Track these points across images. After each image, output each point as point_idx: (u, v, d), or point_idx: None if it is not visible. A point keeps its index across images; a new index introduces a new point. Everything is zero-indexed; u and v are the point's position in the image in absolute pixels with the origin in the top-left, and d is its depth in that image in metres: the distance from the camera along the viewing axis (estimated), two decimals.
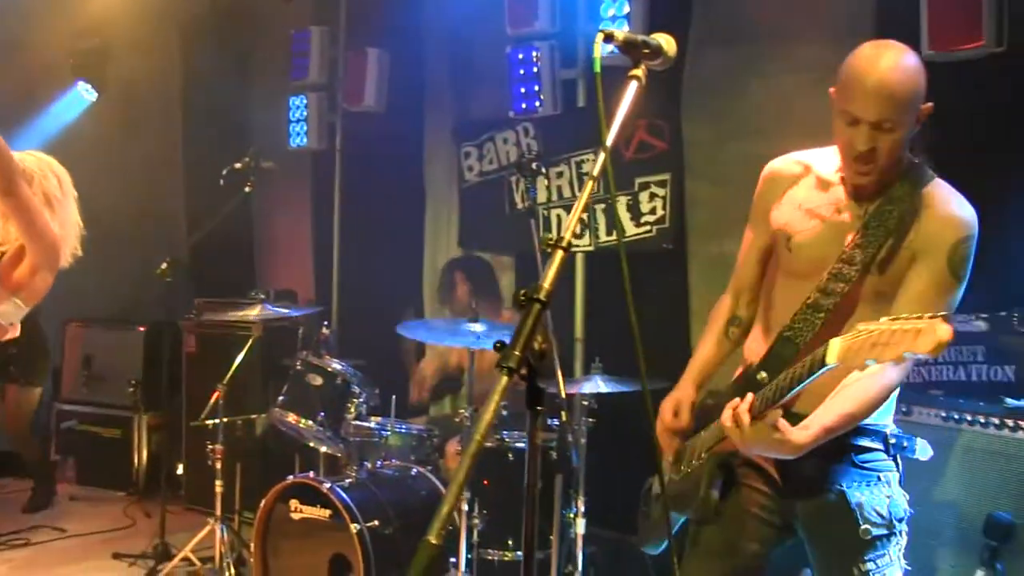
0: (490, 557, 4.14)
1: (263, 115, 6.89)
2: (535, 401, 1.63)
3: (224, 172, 5.26)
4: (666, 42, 1.98)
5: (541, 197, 5.41)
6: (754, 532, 2.50)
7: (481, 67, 5.85)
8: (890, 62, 2.18)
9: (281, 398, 4.72)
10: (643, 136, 5.05)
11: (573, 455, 3.95)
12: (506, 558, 4.14)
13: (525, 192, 4.37)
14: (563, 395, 3.82)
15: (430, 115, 6.27)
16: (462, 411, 4.30)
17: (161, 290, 5.23)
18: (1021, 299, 3.51)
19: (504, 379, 1.51)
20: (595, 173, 1.80)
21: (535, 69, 5.20)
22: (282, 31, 6.67)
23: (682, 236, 4.99)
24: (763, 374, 2.34)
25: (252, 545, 4.39)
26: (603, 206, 5.19)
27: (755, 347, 2.53)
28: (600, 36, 1.91)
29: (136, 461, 6.55)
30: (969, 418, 3.29)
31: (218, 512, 4.74)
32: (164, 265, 5.11)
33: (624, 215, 5.08)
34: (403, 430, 4.64)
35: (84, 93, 7.09)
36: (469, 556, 4.07)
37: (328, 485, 4.14)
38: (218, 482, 4.77)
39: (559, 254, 1.67)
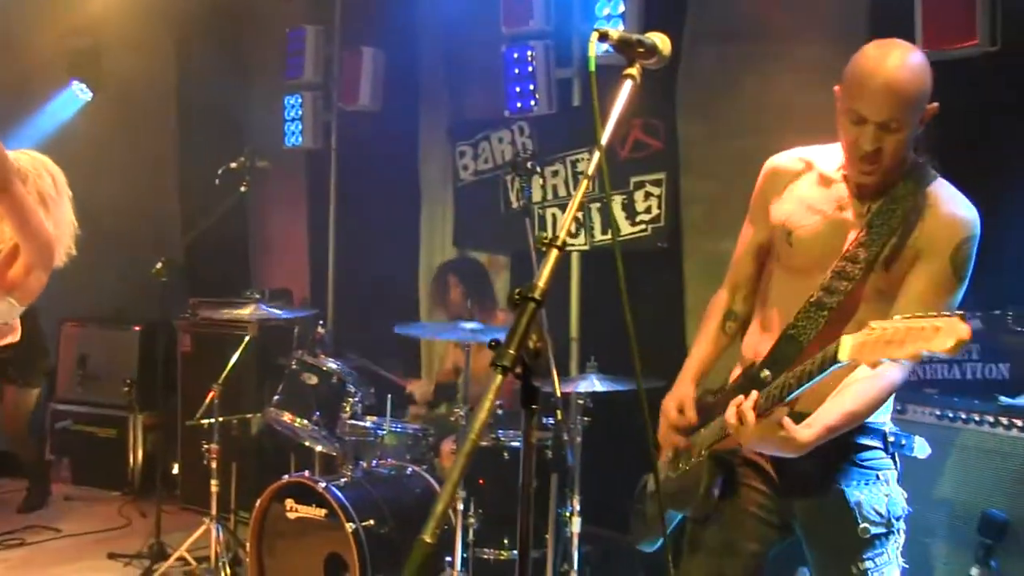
0: (486, 556, 4.14)
1: (258, 114, 6.88)
2: (530, 400, 1.63)
3: (220, 171, 5.26)
4: (661, 41, 1.97)
5: (536, 196, 5.41)
6: (753, 532, 2.49)
7: (476, 66, 5.85)
8: (897, 61, 2.17)
9: (276, 397, 4.71)
10: (638, 135, 5.05)
11: (568, 454, 3.95)
12: (502, 557, 4.15)
13: (520, 191, 4.37)
14: (558, 394, 3.82)
15: (425, 114, 6.27)
16: (457, 410, 4.30)
17: (156, 290, 5.23)
18: (1015, 298, 3.52)
19: (499, 378, 1.51)
20: (590, 172, 1.80)
21: (530, 68, 5.21)
22: (277, 30, 6.67)
23: (677, 235, 4.99)
24: (766, 372, 2.34)
25: (248, 545, 4.39)
26: (598, 205, 5.19)
27: (753, 343, 2.52)
28: (595, 35, 1.91)
29: (131, 461, 6.55)
30: (964, 416, 3.30)
31: (214, 512, 4.73)
32: (159, 265, 5.11)
33: (619, 214, 5.09)
34: (398, 429, 4.64)
35: (79, 92, 7.08)
36: (465, 555, 4.07)
37: (324, 484, 4.13)
38: (214, 482, 4.77)
39: (554, 253, 1.67)
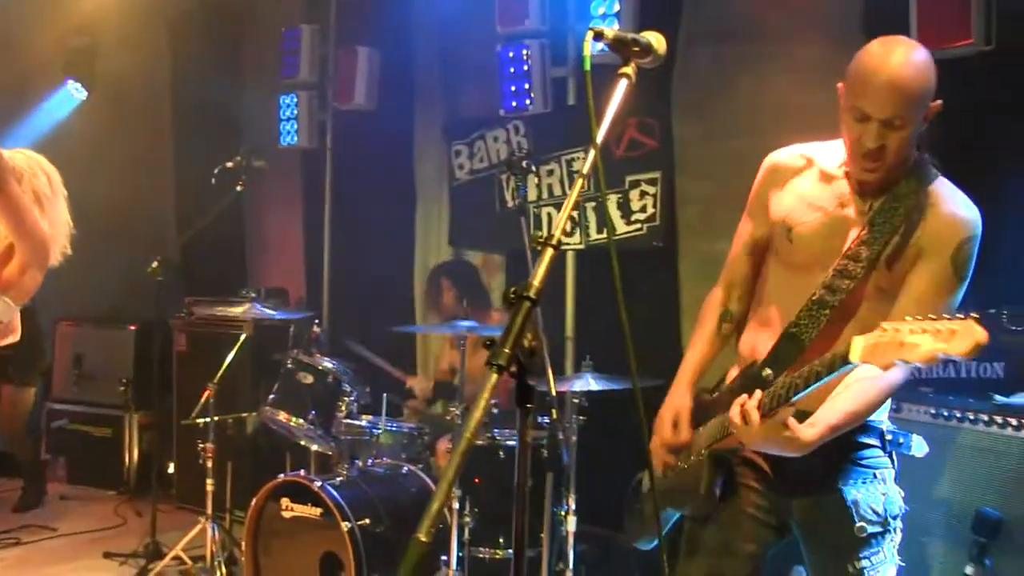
0: (481, 555, 4.15)
1: (253, 113, 6.88)
2: (525, 399, 1.63)
3: (216, 171, 5.26)
4: (656, 40, 1.97)
5: (531, 195, 5.42)
6: (750, 533, 2.49)
7: (471, 65, 5.85)
8: (901, 58, 2.17)
9: (272, 396, 4.71)
10: (633, 134, 5.05)
11: (564, 453, 3.96)
12: (497, 556, 4.15)
13: (515, 190, 4.37)
14: (554, 393, 3.82)
15: (420, 113, 6.27)
16: (452, 409, 4.30)
17: (152, 289, 5.22)
18: (1010, 297, 3.53)
19: (494, 377, 1.52)
20: (585, 171, 1.80)
21: (525, 67, 5.20)
22: (273, 29, 6.66)
23: (672, 234, 5.00)
24: (768, 371, 2.34)
25: (243, 544, 4.39)
26: (594, 204, 5.20)
27: (751, 341, 2.51)
28: (590, 34, 1.91)
29: (127, 460, 6.54)
30: (959, 415, 3.31)
31: (209, 511, 4.73)
32: (155, 264, 5.10)
33: (615, 213, 5.09)
34: (394, 428, 4.64)
35: (74, 92, 7.07)
36: (460, 554, 4.08)
37: (319, 483, 4.14)
38: (209, 481, 4.76)
39: (549, 252, 1.67)
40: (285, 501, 4.24)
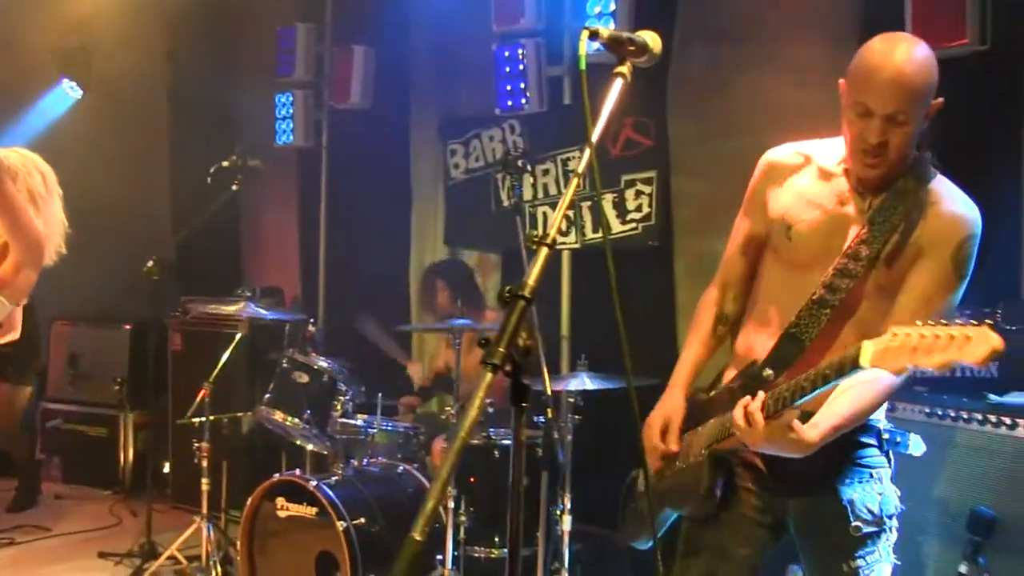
0: (477, 554, 4.15)
1: (249, 112, 6.87)
2: (520, 398, 1.63)
3: (212, 170, 5.25)
4: (651, 39, 1.97)
5: (527, 195, 5.42)
6: (748, 536, 2.49)
7: (467, 64, 5.85)
8: (904, 55, 2.17)
9: (267, 396, 4.71)
10: (629, 133, 5.06)
11: (559, 452, 3.95)
12: (492, 555, 4.15)
13: (511, 190, 4.38)
14: (549, 392, 3.82)
15: (416, 112, 6.28)
16: (448, 408, 4.30)
17: (147, 288, 5.21)
18: (1004, 295, 3.54)
19: (488, 376, 1.52)
20: (580, 170, 1.80)
21: (521, 66, 5.21)
22: (268, 28, 6.66)
23: (668, 233, 5.00)
24: (769, 371, 2.33)
25: (239, 543, 4.39)
26: (589, 203, 5.20)
27: (748, 340, 2.50)
28: (585, 33, 1.91)
29: (122, 459, 6.53)
30: (953, 414, 3.31)
31: (204, 510, 4.72)
32: (150, 263, 5.09)
33: (610, 212, 5.09)
34: (389, 427, 4.64)
35: (69, 91, 7.06)
36: (456, 553, 4.08)
37: (314, 483, 4.13)
38: (204, 480, 4.75)
39: (544, 251, 1.67)
40: (280, 500, 4.24)
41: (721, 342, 2.63)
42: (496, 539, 4.15)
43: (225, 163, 5.26)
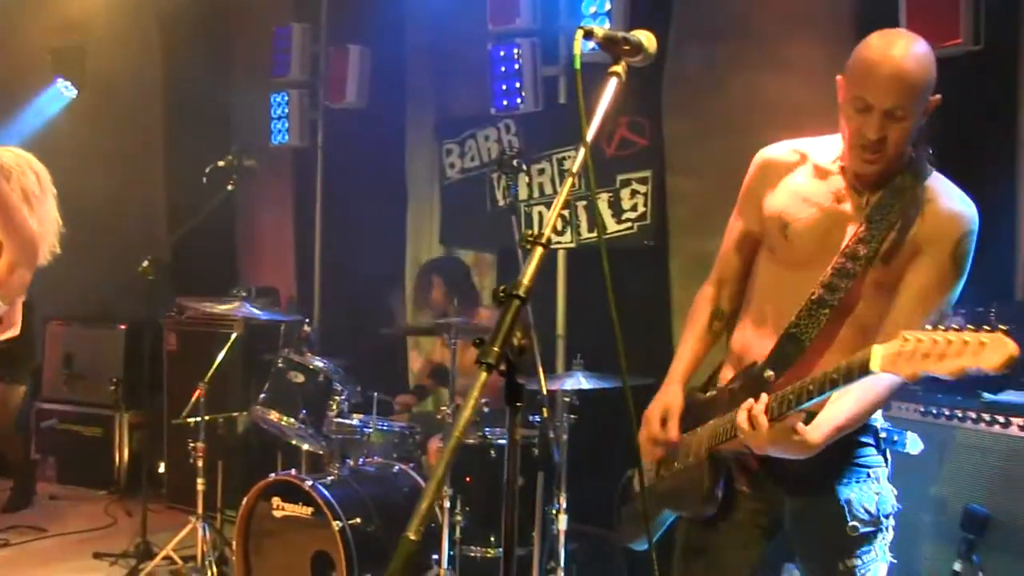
0: (473, 554, 4.15)
1: (245, 112, 6.87)
2: (514, 397, 1.63)
3: (207, 170, 5.25)
4: (646, 39, 1.97)
5: (522, 194, 5.42)
6: (747, 539, 2.48)
7: (463, 64, 5.85)
8: (903, 50, 2.17)
9: (263, 396, 4.70)
10: (624, 133, 5.06)
11: (555, 452, 3.96)
12: (488, 555, 4.15)
13: (506, 189, 4.38)
14: (544, 392, 3.82)
15: (411, 112, 6.27)
16: (444, 408, 4.31)
17: (142, 288, 5.20)
18: (998, 294, 3.54)
19: (483, 375, 1.52)
20: (575, 170, 1.80)
21: (516, 66, 5.21)
22: (264, 27, 6.65)
23: (663, 233, 5.00)
24: (769, 372, 2.32)
25: (234, 543, 4.38)
26: (585, 203, 5.20)
27: (744, 339, 2.50)
28: (580, 33, 1.91)
29: (117, 460, 6.52)
30: (947, 412, 3.32)
31: (200, 510, 4.72)
32: (145, 263, 5.08)
33: (606, 212, 5.10)
34: (385, 427, 4.64)
35: (63, 90, 7.05)
36: (452, 553, 4.08)
37: (310, 483, 4.13)
38: (200, 480, 4.75)
39: (538, 250, 1.67)
40: (276, 500, 4.24)
41: (717, 338, 2.62)
42: (492, 539, 4.15)
43: (221, 163, 5.26)
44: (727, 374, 2.54)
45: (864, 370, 1.97)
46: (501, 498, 1.67)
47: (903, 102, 2.16)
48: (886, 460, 2.44)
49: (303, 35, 6.44)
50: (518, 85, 5.22)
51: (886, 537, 2.40)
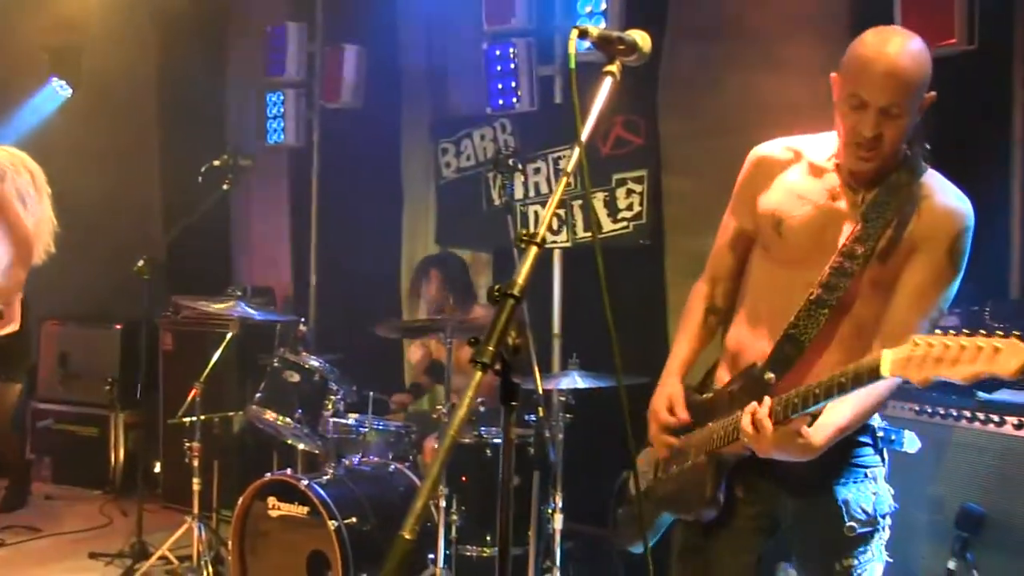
0: (468, 553, 4.15)
1: (240, 111, 6.86)
2: (510, 397, 1.63)
3: (203, 169, 5.25)
4: (641, 38, 1.97)
5: (518, 193, 5.42)
6: (746, 543, 2.48)
7: (458, 63, 5.85)
8: (899, 47, 2.17)
9: (258, 395, 4.70)
10: (620, 132, 5.06)
11: (551, 451, 3.96)
12: (484, 554, 4.15)
13: (502, 188, 4.38)
14: (540, 391, 3.83)
15: (407, 112, 6.27)
16: (440, 407, 4.31)
17: (138, 288, 5.20)
18: (993, 293, 3.55)
19: (478, 374, 1.52)
20: (569, 169, 1.80)
21: (512, 65, 5.21)
22: (259, 27, 6.64)
23: (659, 232, 5.01)
24: (770, 374, 2.31)
25: (230, 543, 4.38)
26: (580, 202, 5.20)
27: (739, 337, 2.49)
28: (575, 32, 1.91)
29: (113, 459, 6.51)
30: (942, 411, 3.32)
31: (195, 510, 4.71)
32: (141, 263, 5.06)
33: (601, 211, 5.10)
34: (380, 427, 4.63)
35: (58, 89, 7.04)
36: (447, 552, 4.08)
37: (306, 482, 4.13)
38: (195, 480, 4.74)
39: (533, 250, 1.67)
40: (272, 500, 4.24)
41: (713, 334, 2.62)
42: (488, 538, 4.15)
43: (216, 162, 5.25)
44: (723, 374, 2.53)
45: (874, 375, 1.96)
46: (497, 497, 1.68)
47: (898, 99, 2.16)
48: (883, 460, 2.44)
49: (298, 35, 6.43)
50: (514, 85, 5.23)
51: (883, 537, 2.40)
